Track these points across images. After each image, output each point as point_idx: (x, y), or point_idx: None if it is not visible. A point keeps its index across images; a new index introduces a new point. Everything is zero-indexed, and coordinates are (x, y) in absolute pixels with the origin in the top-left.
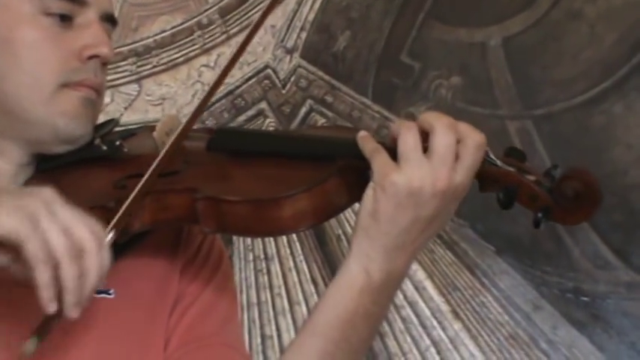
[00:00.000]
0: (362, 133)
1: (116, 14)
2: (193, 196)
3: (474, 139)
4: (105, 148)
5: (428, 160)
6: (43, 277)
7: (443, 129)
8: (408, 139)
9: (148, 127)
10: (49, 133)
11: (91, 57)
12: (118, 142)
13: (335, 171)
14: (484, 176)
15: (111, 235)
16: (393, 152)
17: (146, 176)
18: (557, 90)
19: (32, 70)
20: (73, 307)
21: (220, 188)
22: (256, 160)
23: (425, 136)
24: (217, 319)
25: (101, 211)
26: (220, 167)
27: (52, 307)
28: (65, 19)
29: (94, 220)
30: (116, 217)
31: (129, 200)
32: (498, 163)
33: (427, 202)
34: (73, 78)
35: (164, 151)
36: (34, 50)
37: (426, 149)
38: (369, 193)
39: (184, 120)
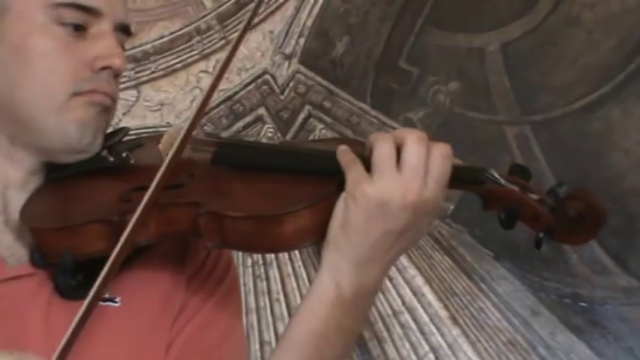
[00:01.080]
0: (341, 147)
1: None
2: (196, 211)
3: (439, 149)
4: (112, 159)
5: (399, 172)
6: None
7: (413, 141)
8: (383, 151)
9: (155, 137)
10: (60, 142)
11: (103, 68)
12: (124, 154)
13: (336, 187)
14: (487, 195)
15: None
16: (370, 164)
17: (144, 203)
18: (555, 95)
19: (44, 79)
20: None
21: (223, 204)
22: (260, 174)
23: (399, 151)
24: (217, 333)
25: (103, 225)
26: (223, 181)
27: None
28: (79, 29)
29: None
30: (115, 253)
31: (128, 230)
32: (502, 181)
33: (397, 214)
34: (85, 87)
35: (161, 170)
36: (46, 59)
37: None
38: (340, 204)
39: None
